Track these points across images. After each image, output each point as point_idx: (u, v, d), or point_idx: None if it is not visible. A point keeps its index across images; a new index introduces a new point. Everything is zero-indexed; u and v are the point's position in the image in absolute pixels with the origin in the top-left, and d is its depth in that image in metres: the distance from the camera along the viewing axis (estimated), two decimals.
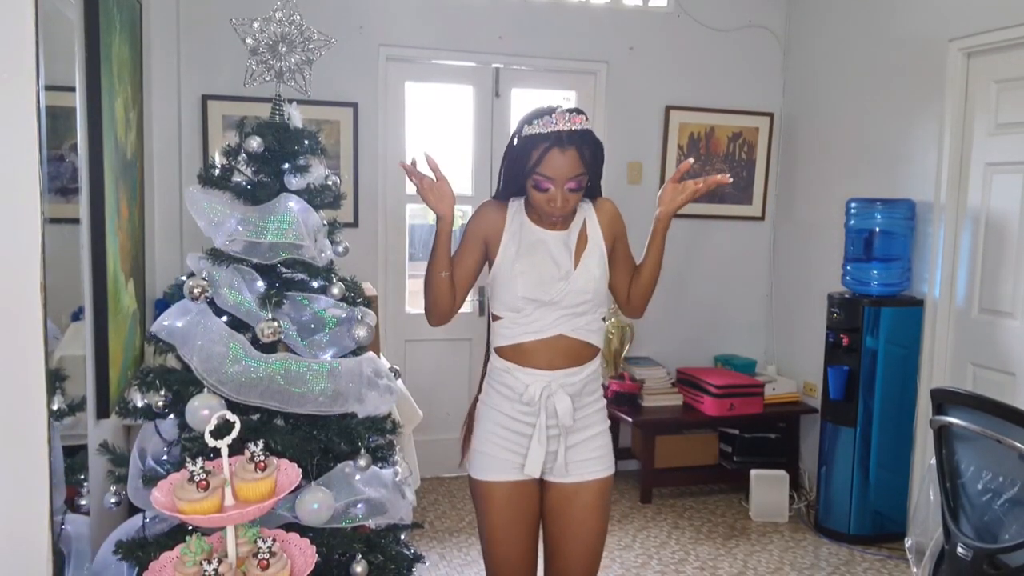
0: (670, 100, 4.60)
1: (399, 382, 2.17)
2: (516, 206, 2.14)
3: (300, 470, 1.67)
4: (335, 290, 1.99)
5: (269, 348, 1.88)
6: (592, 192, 2.17)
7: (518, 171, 2.05)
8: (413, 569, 2.12)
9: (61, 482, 1.91)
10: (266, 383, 1.83)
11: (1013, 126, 3.40)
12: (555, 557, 2.16)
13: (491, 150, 4.48)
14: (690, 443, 4.49)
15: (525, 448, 2.07)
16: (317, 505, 1.80)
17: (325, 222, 2.05)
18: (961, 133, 3.61)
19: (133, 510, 1.94)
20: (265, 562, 1.50)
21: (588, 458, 2.11)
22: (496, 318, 2.13)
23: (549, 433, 2.06)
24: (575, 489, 2.10)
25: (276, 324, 1.83)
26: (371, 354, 2.05)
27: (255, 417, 1.89)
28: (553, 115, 1.99)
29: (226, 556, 1.54)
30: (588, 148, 2.02)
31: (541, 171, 1.99)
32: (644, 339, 4.65)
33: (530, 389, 2.05)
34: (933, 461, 2.60)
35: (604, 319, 2.16)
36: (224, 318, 1.88)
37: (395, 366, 2.24)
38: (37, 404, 1.49)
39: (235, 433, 1.53)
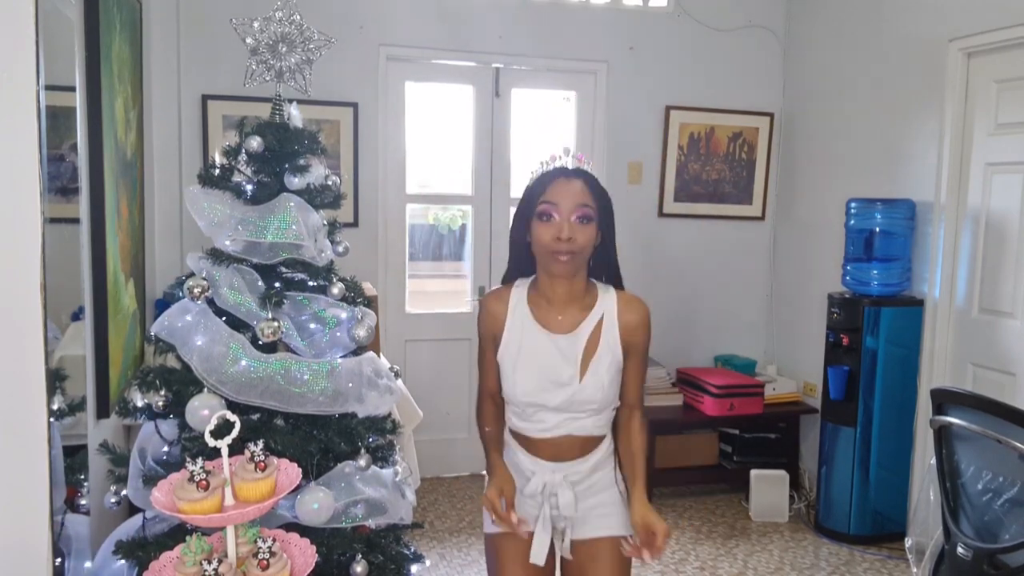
0: (670, 100, 4.60)
1: (399, 382, 2.17)
2: (518, 296, 2.00)
3: (300, 470, 1.67)
4: (335, 290, 1.99)
5: (269, 348, 1.88)
6: (608, 256, 2.00)
7: (524, 214, 1.93)
8: (413, 569, 2.12)
9: (61, 482, 1.91)
10: (266, 383, 1.83)
11: (1013, 126, 3.40)
12: None
13: (491, 150, 4.49)
14: (690, 443, 4.49)
15: (534, 517, 2.00)
16: (317, 505, 1.80)
17: (325, 222, 2.05)
18: (961, 133, 3.61)
19: (133, 510, 1.94)
20: (265, 562, 1.50)
21: (604, 514, 2.02)
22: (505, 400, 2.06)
23: (553, 515, 1.99)
24: (593, 546, 2.01)
25: (276, 324, 1.83)
26: (371, 354, 2.05)
27: (255, 417, 1.89)
28: (555, 156, 1.94)
29: (226, 556, 1.54)
30: (595, 186, 1.90)
31: (545, 198, 1.86)
32: None
33: (532, 482, 1.98)
34: (933, 461, 2.60)
35: (616, 409, 2.05)
36: (223, 318, 1.88)
37: (395, 366, 2.24)
38: (37, 404, 1.49)
39: (235, 433, 1.52)
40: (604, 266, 2.01)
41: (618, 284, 2.03)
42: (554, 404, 1.93)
